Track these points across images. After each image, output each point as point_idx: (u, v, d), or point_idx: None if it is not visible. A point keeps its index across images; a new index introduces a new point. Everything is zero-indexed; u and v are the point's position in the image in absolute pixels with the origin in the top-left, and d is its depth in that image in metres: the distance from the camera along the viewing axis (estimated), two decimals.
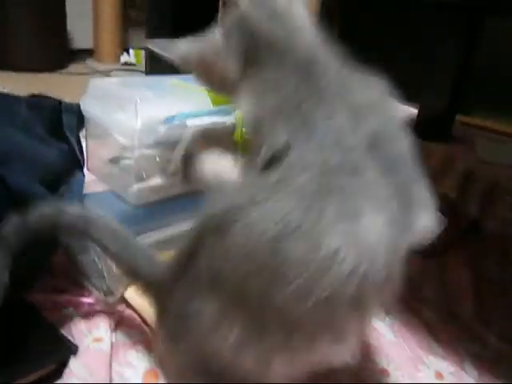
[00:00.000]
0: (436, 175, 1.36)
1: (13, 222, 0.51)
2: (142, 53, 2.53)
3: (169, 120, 0.68)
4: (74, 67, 2.45)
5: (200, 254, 0.44)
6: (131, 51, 2.55)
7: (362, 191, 0.39)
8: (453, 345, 0.70)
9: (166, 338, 0.51)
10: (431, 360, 0.67)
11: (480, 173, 1.39)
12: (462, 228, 0.95)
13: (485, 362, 0.67)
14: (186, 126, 0.70)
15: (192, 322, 0.45)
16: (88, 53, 2.60)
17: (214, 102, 0.73)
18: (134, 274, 0.55)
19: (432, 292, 0.82)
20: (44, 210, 0.52)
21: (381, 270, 0.38)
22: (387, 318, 0.74)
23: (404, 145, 0.45)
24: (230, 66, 0.52)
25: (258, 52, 0.49)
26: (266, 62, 0.48)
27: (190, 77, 0.82)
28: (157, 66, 1.00)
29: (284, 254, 0.37)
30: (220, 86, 0.56)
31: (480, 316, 0.77)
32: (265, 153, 0.42)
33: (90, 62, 2.52)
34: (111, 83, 0.74)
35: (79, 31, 2.61)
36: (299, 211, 0.37)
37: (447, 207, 0.92)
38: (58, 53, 2.37)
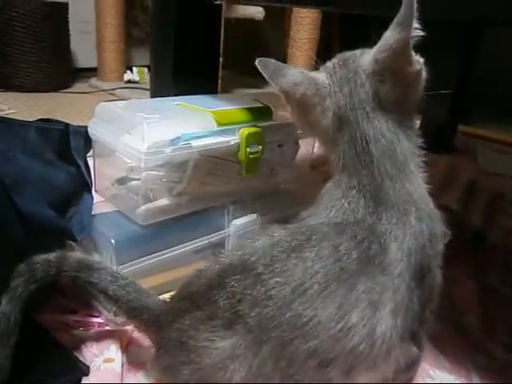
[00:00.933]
0: (439, 187, 1.37)
1: (20, 272, 0.53)
2: (145, 70, 2.56)
3: (174, 141, 0.70)
4: (77, 86, 2.48)
5: (219, 294, 0.46)
6: (134, 69, 2.58)
7: (388, 289, 0.42)
8: (459, 357, 0.70)
9: (165, 367, 0.52)
10: (438, 373, 0.67)
11: (483, 184, 1.40)
12: (466, 239, 0.96)
13: (491, 374, 0.67)
14: (191, 147, 0.71)
15: (197, 354, 0.46)
16: (92, 71, 2.63)
17: (219, 123, 0.75)
18: (134, 313, 0.56)
19: (438, 304, 0.83)
20: (48, 258, 0.55)
21: (377, 355, 0.42)
22: None
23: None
24: (326, 119, 0.51)
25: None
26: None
27: (195, 98, 0.85)
28: (161, 84, 1.02)
29: (312, 314, 0.41)
30: (311, 130, 0.55)
31: (486, 327, 0.77)
32: None
33: (94, 81, 2.54)
34: (118, 107, 0.75)
35: (82, 50, 2.64)
36: (336, 279, 0.42)
37: (451, 219, 0.93)
38: (62, 72, 2.40)
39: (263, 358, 0.42)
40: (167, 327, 0.50)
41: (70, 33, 2.42)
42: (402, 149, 0.48)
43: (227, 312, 0.45)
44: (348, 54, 0.53)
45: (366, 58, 0.50)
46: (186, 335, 0.47)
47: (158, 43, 0.99)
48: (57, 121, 0.75)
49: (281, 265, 0.43)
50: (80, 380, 0.58)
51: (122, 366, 0.62)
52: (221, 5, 0.99)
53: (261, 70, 0.52)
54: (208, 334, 0.45)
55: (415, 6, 0.45)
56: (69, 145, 0.71)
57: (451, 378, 0.66)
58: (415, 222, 0.45)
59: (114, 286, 0.56)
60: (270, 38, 3.05)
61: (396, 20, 0.46)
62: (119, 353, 0.63)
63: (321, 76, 0.52)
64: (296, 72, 0.52)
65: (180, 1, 0.90)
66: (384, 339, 0.41)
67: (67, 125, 0.73)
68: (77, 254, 0.58)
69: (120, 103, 0.78)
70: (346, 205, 0.46)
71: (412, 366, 0.48)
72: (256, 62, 0.53)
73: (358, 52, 0.52)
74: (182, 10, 0.91)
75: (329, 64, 0.53)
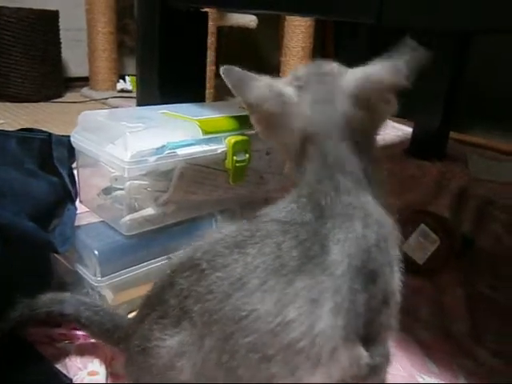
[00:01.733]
0: (430, 194, 1.37)
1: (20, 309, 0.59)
2: None
3: (159, 150, 0.69)
4: (69, 96, 2.47)
5: (170, 292, 0.46)
6: (127, 78, 2.57)
7: (328, 289, 0.42)
8: (447, 363, 0.70)
9: (131, 375, 0.51)
10: (425, 379, 0.67)
11: (473, 190, 1.40)
12: (455, 246, 0.96)
13: (478, 378, 0.67)
14: (176, 156, 0.70)
15: (152, 356, 0.46)
16: (84, 81, 2.62)
17: (204, 131, 0.74)
18: (107, 334, 0.58)
19: (427, 311, 0.82)
20: (43, 300, 0.60)
21: (320, 354, 0.41)
22: None
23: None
24: (290, 138, 0.49)
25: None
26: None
27: (180, 106, 0.85)
28: (147, 93, 1.01)
29: (250, 308, 0.41)
30: (275, 143, 0.53)
31: (474, 333, 0.77)
32: None
33: (86, 90, 2.54)
34: (101, 115, 0.75)
35: (74, 59, 2.64)
36: (275, 275, 0.41)
37: (441, 226, 0.93)
38: (54, 82, 2.39)
39: (206, 353, 0.42)
40: (131, 336, 0.50)
41: (61, 41, 2.42)
42: (360, 168, 0.47)
43: (176, 309, 0.45)
44: (324, 66, 0.50)
45: (348, 78, 0.48)
46: (145, 339, 0.47)
47: (144, 52, 0.99)
48: (40, 130, 0.74)
49: (222, 260, 0.43)
50: None
51: (106, 379, 0.61)
52: (207, 12, 0.99)
53: (225, 79, 0.50)
54: (159, 333, 0.45)
55: (420, 57, 0.45)
56: (51, 155, 0.71)
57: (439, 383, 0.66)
58: (360, 228, 0.44)
59: (86, 314, 0.59)
60: (264, 46, 3.06)
61: (397, 59, 0.45)
62: (103, 366, 0.62)
63: (289, 91, 0.49)
64: (262, 85, 0.49)
65: (165, 9, 0.89)
66: (324, 337, 0.41)
67: (50, 134, 0.73)
68: (49, 295, 0.61)
69: (103, 112, 0.78)
70: (295, 208, 0.46)
71: (373, 372, 0.47)
72: (221, 71, 0.50)
73: (335, 67, 0.50)
74: (168, 18, 0.91)
75: (301, 74, 0.50)
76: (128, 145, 0.65)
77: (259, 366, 0.41)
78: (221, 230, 0.47)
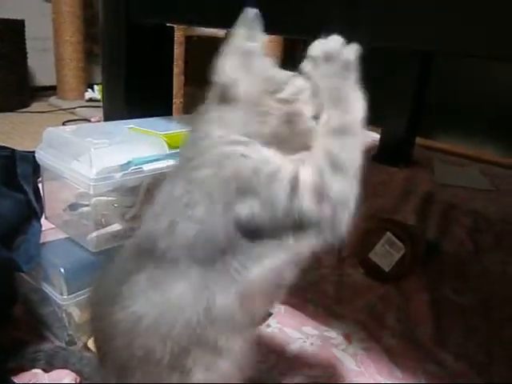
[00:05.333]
0: (397, 200, 1.40)
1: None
2: None
3: (125, 166, 0.69)
4: (36, 106, 2.43)
5: None
6: (96, 87, 2.55)
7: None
8: (410, 367, 0.72)
9: None
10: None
11: (438, 195, 1.44)
12: (421, 253, 0.98)
13: (442, 382, 0.70)
14: (142, 172, 0.71)
15: None
16: (51, 90, 2.58)
17: (170, 146, 0.75)
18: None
19: (393, 318, 0.84)
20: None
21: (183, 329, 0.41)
22: (350, 348, 0.75)
23: None
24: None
25: None
26: None
27: (147, 121, 0.85)
28: (114, 106, 1.01)
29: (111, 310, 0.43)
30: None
31: (438, 337, 0.80)
32: None
33: (54, 100, 2.50)
34: (66, 131, 0.74)
35: (41, 68, 2.60)
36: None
37: (406, 234, 0.95)
38: (20, 91, 2.35)
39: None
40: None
41: (28, 50, 2.38)
42: None
43: None
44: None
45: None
46: None
47: (109, 66, 0.99)
48: (3, 147, 0.73)
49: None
50: None
51: None
52: (173, 26, 1.00)
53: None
54: None
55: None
56: (15, 171, 0.70)
57: None
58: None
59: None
60: None
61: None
62: None
63: None
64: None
65: (130, 24, 0.90)
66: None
67: (13, 151, 0.72)
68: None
69: (68, 128, 0.77)
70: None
71: None
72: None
73: None
74: (133, 34, 0.91)
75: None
76: (93, 161, 0.65)
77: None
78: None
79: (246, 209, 0.41)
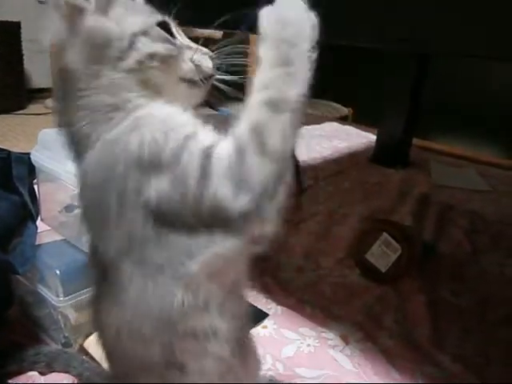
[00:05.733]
0: (394, 201, 1.40)
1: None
2: None
3: None
4: (33, 108, 2.42)
5: None
6: None
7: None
8: (408, 369, 0.72)
9: None
10: None
11: (434, 197, 1.44)
12: (417, 253, 0.98)
13: (438, 382, 0.70)
14: None
15: None
16: (47, 92, 2.58)
17: None
18: None
19: (391, 319, 0.84)
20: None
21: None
22: (347, 349, 0.75)
23: None
24: None
25: None
26: None
27: None
28: None
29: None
30: None
31: (435, 339, 0.79)
32: None
33: (50, 102, 2.50)
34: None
35: (37, 70, 2.59)
36: None
37: (402, 235, 0.95)
38: (16, 93, 2.35)
39: None
40: None
41: (23, 52, 2.38)
42: None
43: None
44: None
45: None
46: None
47: None
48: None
49: None
50: None
51: None
52: None
53: None
54: None
55: None
56: (11, 173, 0.70)
57: None
58: None
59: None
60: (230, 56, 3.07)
61: None
62: None
63: None
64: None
65: None
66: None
67: (9, 153, 0.71)
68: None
69: None
70: None
71: None
72: None
73: None
74: None
75: None
76: None
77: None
78: None
79: (156, 190, 0.35)
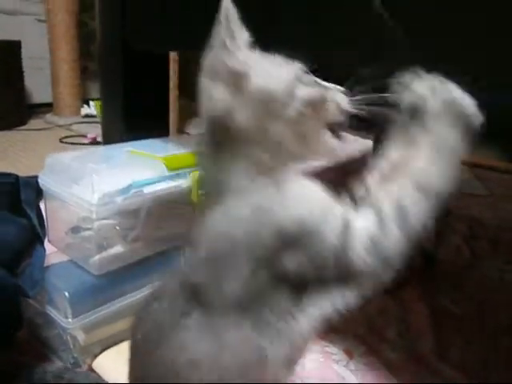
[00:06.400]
0: None
1: None
2: None
3: (125, 190, 0.71)
4: (33, 123, 2.45)
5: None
6: (91, 103, 2.57)
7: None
8: (411, 380, 0.73)
9: None
10: None
11: None
12: (417, 262, 0.99)
13: None
14: (143, 194, 0.72)
15: None
16: (47, 107, 2.60)
17: (169, 168, 0.76)
18: None
19: (393, 331, 0.85)
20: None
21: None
22: (351, 363, 0.76)
23: None
24: None
25: None
26: None
27: (145, 143, 0.86)
28: (112, 129, 1.03)
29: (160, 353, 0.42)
30: None
31: (438, 350, 0.80)
32: None
33: (50, 117, 2.52)
34: (67, 158, 0.76)
35: (37, 86, 2.62)
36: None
37: None
38: (16, 109, 2.37)
39: None
40: None
41: (24, 70, 2.41)
42: None
43: None
44: None
45: None
46: None
47: (106, 90, 1.01)
48: (7, 174, 0.74)
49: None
50: None
51: None
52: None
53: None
54: None
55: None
56: (19, 197, 0.71)
57: None
58: None
59: None
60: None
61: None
62: None
63: None
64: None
65: (127, 50, 0.91)
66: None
67: (17, 177, 0.73)
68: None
69: (70, 154, 0.79)
70: None
71: None
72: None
73: None
74: (129, 59, 0.92)
75: None
76: (95, 187, 0.67)
77: None
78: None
79: (292, 262, 0.38)
